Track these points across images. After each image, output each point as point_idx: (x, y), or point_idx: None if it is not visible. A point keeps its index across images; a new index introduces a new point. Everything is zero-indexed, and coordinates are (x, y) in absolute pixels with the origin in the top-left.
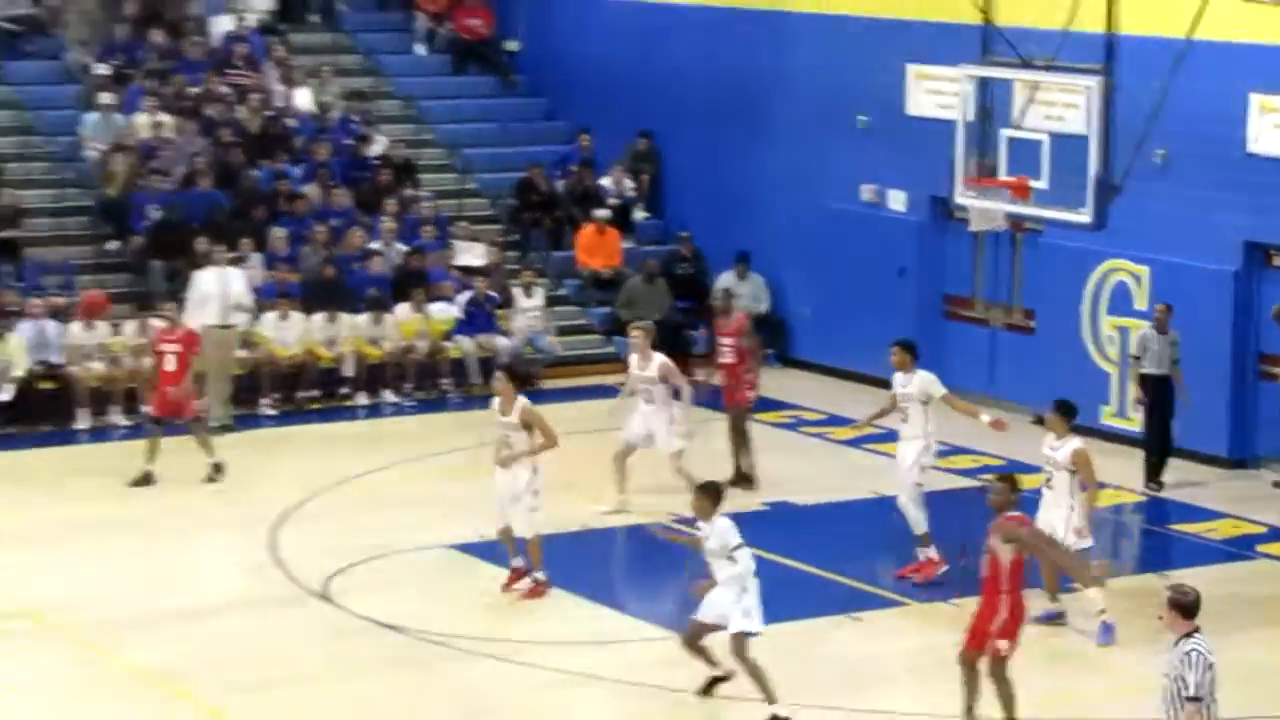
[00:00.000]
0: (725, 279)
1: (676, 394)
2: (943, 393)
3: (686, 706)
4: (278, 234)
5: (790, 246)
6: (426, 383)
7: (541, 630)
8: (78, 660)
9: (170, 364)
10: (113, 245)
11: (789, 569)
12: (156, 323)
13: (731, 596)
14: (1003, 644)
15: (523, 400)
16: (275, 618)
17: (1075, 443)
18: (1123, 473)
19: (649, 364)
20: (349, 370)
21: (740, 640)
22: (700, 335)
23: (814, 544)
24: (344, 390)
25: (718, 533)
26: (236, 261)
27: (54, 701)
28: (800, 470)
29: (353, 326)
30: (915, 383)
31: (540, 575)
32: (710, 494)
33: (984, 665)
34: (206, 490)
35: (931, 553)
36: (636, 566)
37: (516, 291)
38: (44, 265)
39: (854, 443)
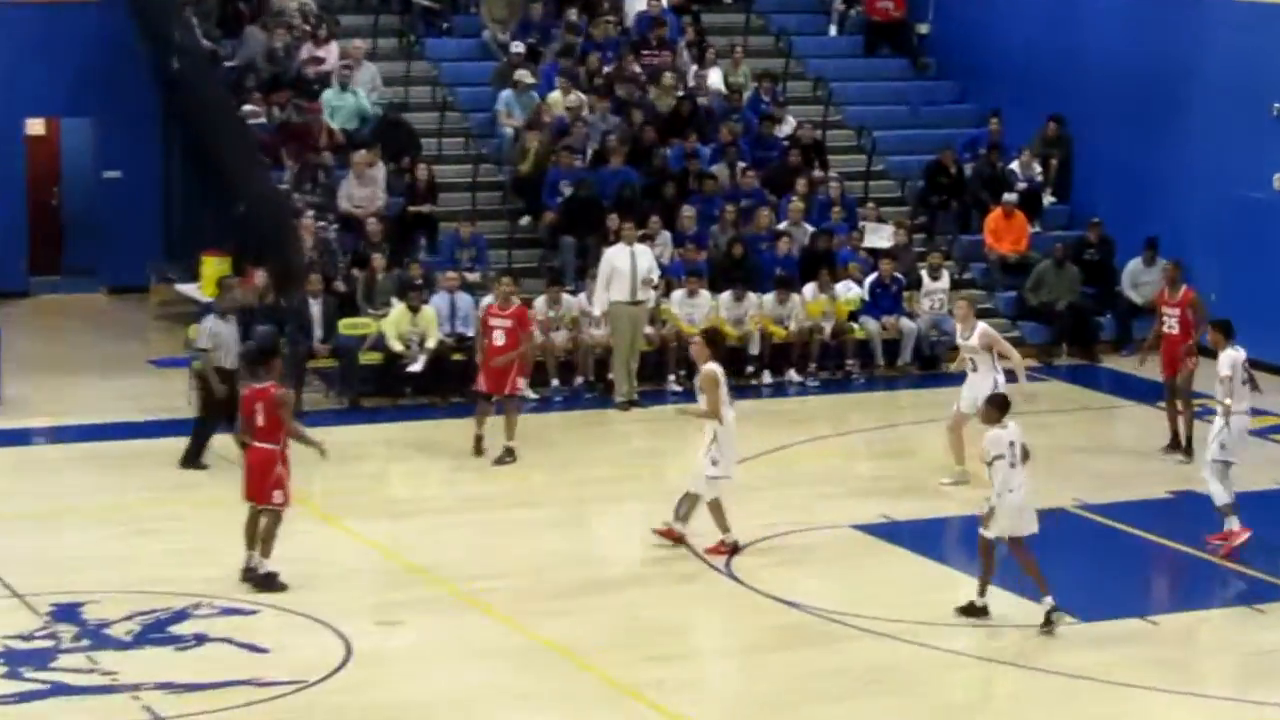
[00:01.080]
0: (1134, 265)
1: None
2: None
3: (1079, 695)
4: (687, 213)
5: (1199, 235)
6: (830, 363)
7: (938, 613)
8: (491, 628)
9: (499, 339)
10: (525, 221)
11: (1192, 558)
12: (487, 299)
13: None
14: None
15: (982, 325)
16: (679, 591)
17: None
18: None
19: (971, 333)
20: (754, 349)
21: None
22: (1107, 321)
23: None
24: (749, 369)
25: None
26: (646, 239)
27: (467, 667)
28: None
29: (759, 306)
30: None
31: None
32: (997, 404)
33: None
34: (610, 464)
35: (1233, 524)
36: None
37: (923, 274)
38: (458, 239)
39: (1261, 433)
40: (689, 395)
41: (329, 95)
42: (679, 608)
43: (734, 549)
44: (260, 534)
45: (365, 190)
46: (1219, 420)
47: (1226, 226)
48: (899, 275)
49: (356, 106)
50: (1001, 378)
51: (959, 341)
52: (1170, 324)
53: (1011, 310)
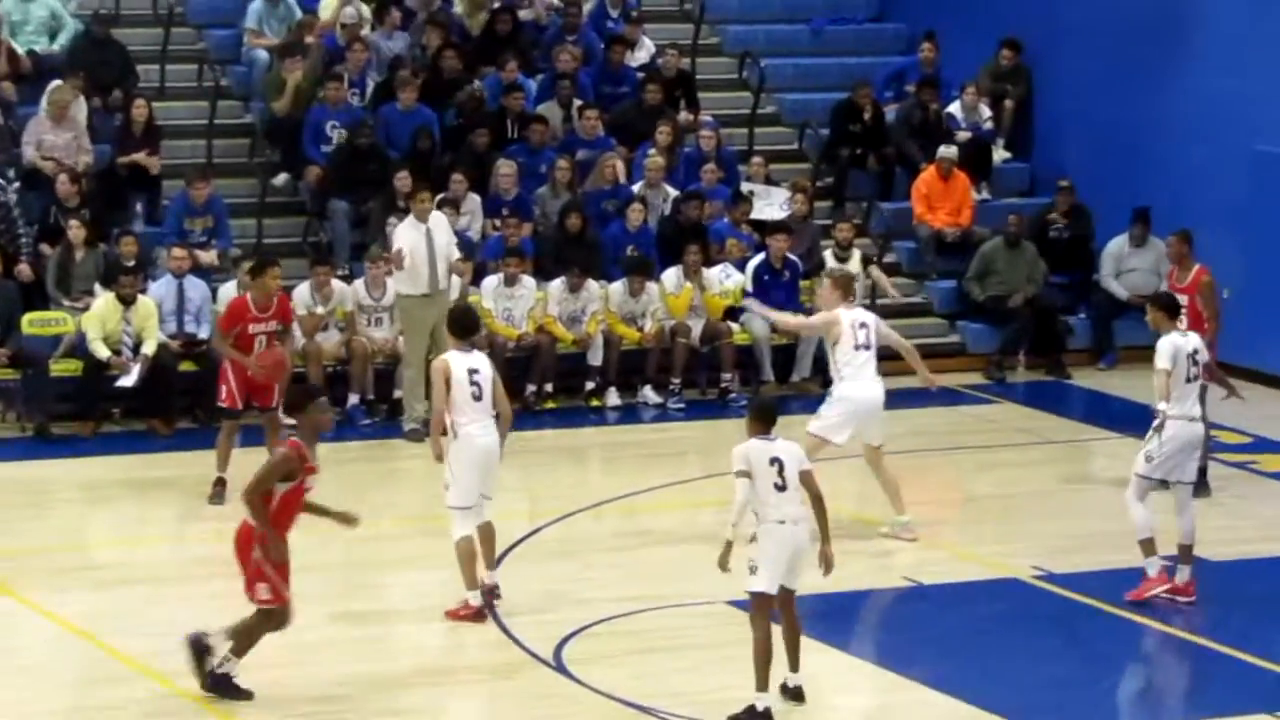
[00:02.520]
0: (1117, 245)
1: None
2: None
3: None
4: (504, 169)
5: (1207, 204)
6: (701, 378)
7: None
8: None
9: (262, 346)
10: (281, 179)
11: (1202, 650)
12: (229, 290)
13: None
14: None
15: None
16: (489, 690)
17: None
18: None
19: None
20: (596, 358)
21: None
22: (1079, 321)
23: (1236, 619)
24: (590, 385)
25: None
26: (447, 206)
27: None
28: (1209, 515)
29: (604, 298)
30: None
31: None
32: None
33: None
34: (395, 513)
35: (1151, 568)
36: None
37: (827, 255)
38: (188, 204)
39: (1242, 462)
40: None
41: (7, 2)
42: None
43: (479, 614)
44: None
45: (62, 136)
46: (1152, 427)
47: (1241, 194)
48: (794, 257)
49: (48, 17)
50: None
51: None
52: None
53: (950, 305)
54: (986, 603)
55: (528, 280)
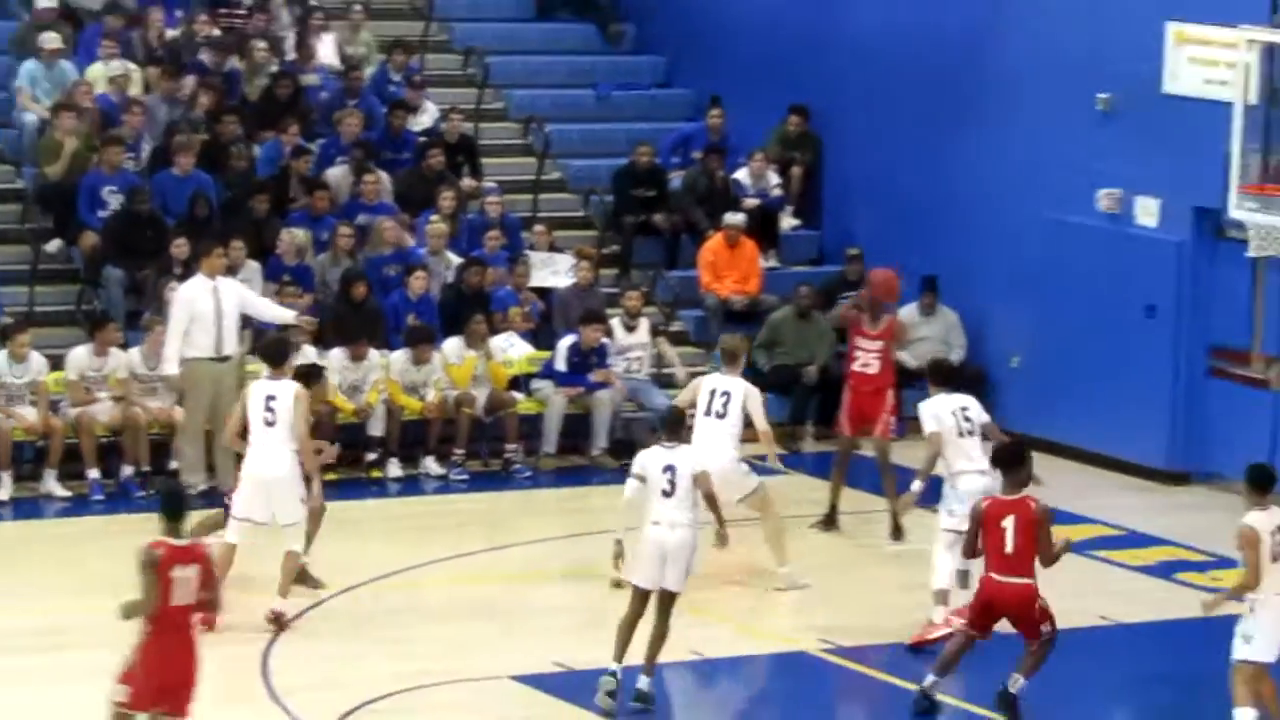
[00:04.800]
0: (906, 313)
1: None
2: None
3: None
4: (287, 236)
5: (996, 272)
6: (484, 448)
7: None
8: None
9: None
10: (54, 245)
11: None
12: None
13: None
14: None
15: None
16: None
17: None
18: None
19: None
20: (378, 429)
21: None
22: None
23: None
24: (371, 456)
25: None
26: (227, 271)
27: None
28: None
29: (385, 368)
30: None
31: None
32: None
33: None
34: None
35: (936, 614)
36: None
37: (615, 324)
38: None
39: (1078, 549)
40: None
41: None
42: None
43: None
44: None
45: None
46: (946, 485)
47: (1032, 262)
48: (606, 341)
49: None
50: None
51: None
52: (867, 361)
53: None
54: (773, 677)
55: (308, 349)
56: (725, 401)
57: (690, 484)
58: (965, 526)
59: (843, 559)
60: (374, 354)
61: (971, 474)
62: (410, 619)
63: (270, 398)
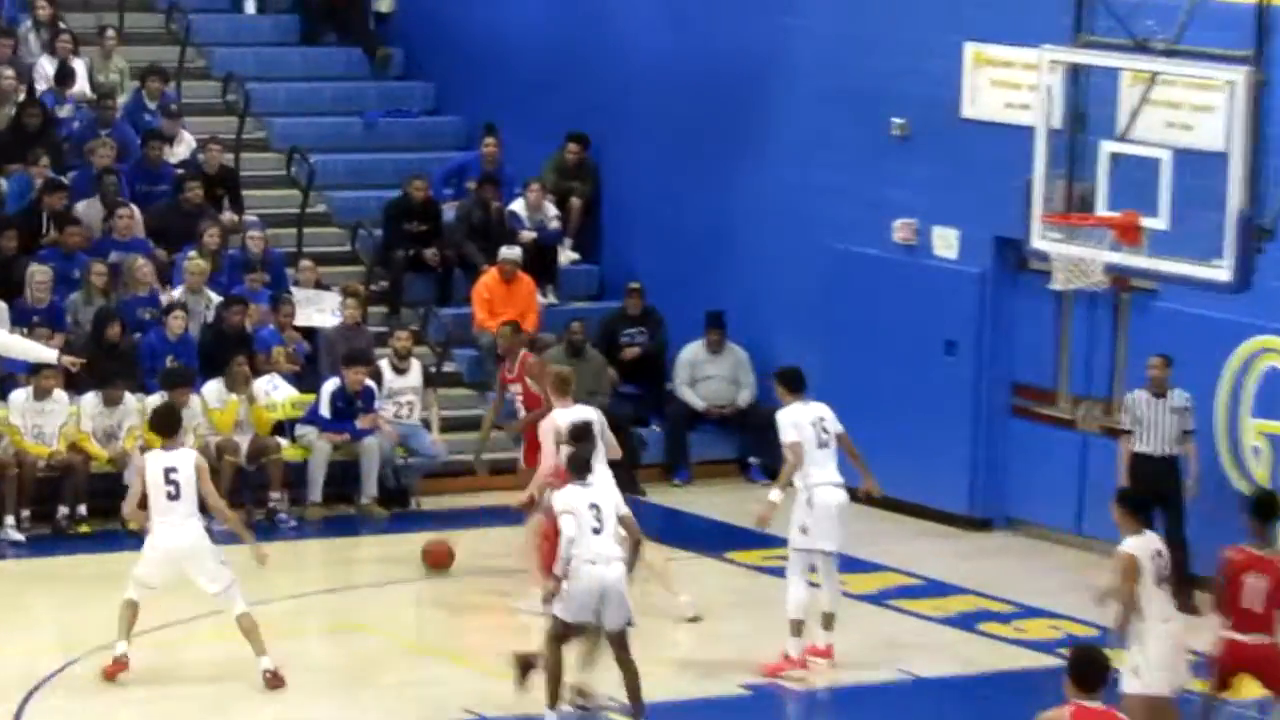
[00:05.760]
0: (691, 351)
1: None
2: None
3: None
4: (36, 275)
5: (785, 308)
6: (248, 496)
7: None
8: None
9: None
10: None
11: None
12: None
13: None
14: None
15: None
16: None
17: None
18: None
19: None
20: (132, 475)
21: None
22: (652, 433)
23: None
24: (126, 508)
25: None
26: None
27: None
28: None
29: (141, 412)
30: None
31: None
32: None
33: None
34: None
35: (791, 647)
36: None
37: (383, 365)
38: None
39: (875, 599)
40: (42, 545)
41: None
42: None
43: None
44: None
45: None
46: (799, 498)
47: (823, 297)
48: (370, 384)
49: None
50: None
51: None
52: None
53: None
54: None
55: (59, 394)
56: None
57: (616, 521)
58: (818, 546)
59: None
60: (129, 398)
61: (827, 486)
62: (171, 675)
63: (170, 470)
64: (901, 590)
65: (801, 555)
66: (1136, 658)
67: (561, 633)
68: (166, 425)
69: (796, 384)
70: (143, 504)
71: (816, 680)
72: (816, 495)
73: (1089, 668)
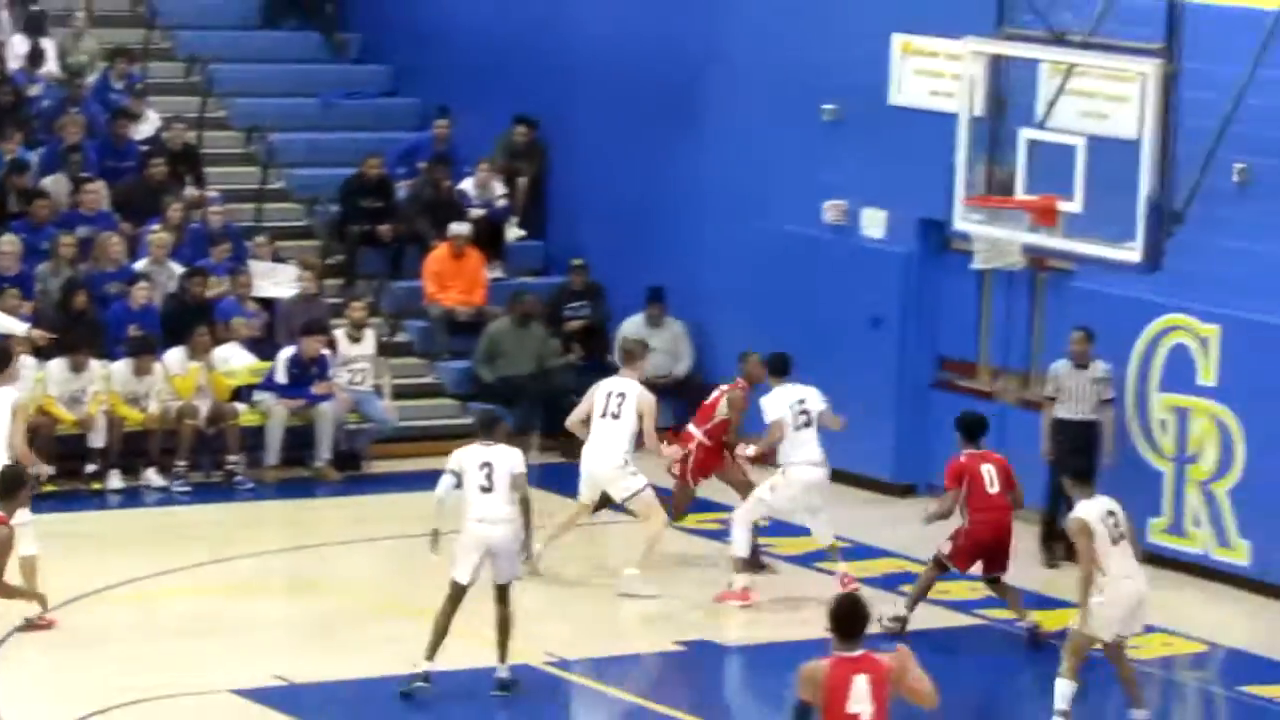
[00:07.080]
0: (632, 325)
1: None
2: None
3: None
4: (7, 246)
5: (721, 283)
6: (206, 459)
7: None
8: None
9: None
10: None
11: None
12: None
13: None
14: None
15: None
16: None
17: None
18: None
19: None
20: (99, 440)
21: None
22: None
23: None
24: (91, 468)
25: None
26: None
27: None
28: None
29: (106, 379)
30: None
31: None
32: None
33: None
34: None
35: (738, 581)
36: None
37: (339, 335)
38: None
39: (804, 560)
40: None
41: None
42: None
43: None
44: None
45: None
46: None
47: (757, 273)
48: (326, 353)
49: None
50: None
51: None
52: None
53: (463, 387)
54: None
55: (27, 360)
56: (620, 403)
57: (509, 482)
58: (778, 508)
59: (569, 572)
60: (94, 364)
61: (803, 465)
62: (131, 632)
63: None
64: (826, 553)
65: (759, 505)
66: (1094, 603)
67: (455, 594)
68: None
69: (780, 368)
70: None
71: (747, 633)
72: (791, 471)
73: (848, 618)
